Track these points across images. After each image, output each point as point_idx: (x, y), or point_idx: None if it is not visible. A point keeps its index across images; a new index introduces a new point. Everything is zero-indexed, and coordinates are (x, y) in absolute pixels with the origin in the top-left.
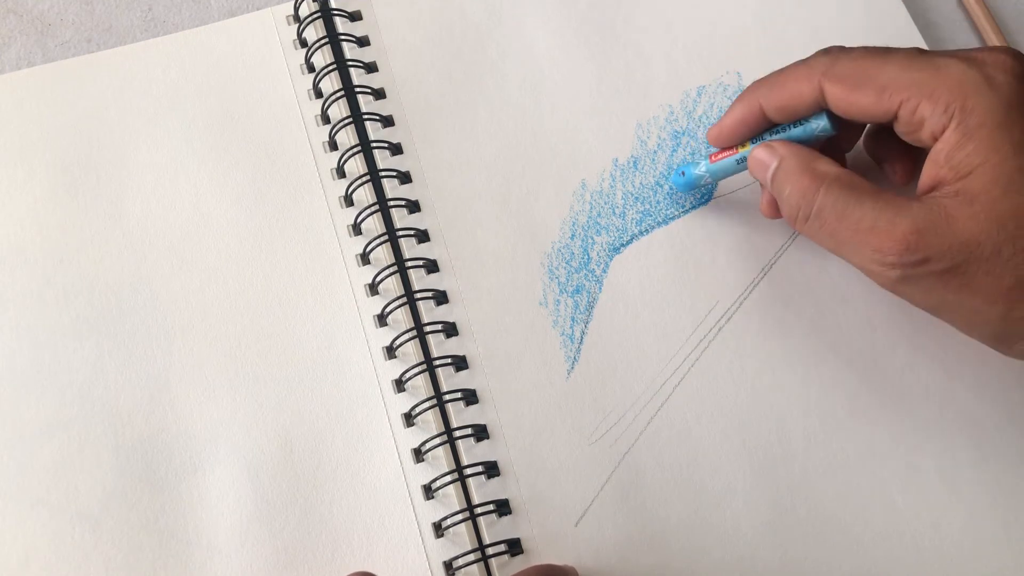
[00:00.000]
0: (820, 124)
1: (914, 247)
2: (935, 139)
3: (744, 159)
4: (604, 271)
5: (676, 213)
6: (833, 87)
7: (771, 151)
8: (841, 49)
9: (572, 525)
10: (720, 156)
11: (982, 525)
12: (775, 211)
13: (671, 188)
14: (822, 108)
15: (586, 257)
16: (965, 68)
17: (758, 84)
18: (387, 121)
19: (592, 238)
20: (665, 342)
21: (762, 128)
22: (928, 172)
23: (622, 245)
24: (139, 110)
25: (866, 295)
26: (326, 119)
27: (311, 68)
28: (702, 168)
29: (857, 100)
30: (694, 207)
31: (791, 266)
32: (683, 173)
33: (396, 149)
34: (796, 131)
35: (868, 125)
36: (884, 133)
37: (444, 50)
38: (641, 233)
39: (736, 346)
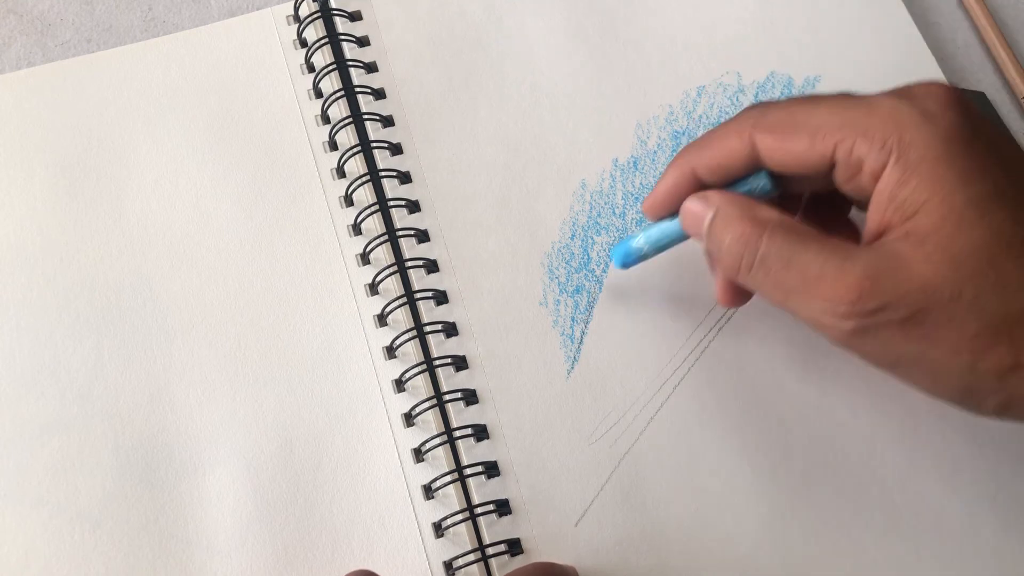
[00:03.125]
0: (760, 183)
1: (868, 294)
2: (876, 179)
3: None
4: (604, 271)
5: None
6: (765, 137)
7: (704, 201)
8: (769, 102)
9: (572, 525)
10: None
11: (982, 525)
12: (732, 297)
13: (612, 270)
14: (758, 166)
15: (586, 257)
16: (897, 103)
17: (688, 147)
18: (387, 121)
19: (592, 238)
20: (665, 342)
21: None
22: (873, 218)
23: None
24: (139, 110)
25: None
26: (326, 119)
27: (311, 68)
28: (640, 240)
29: (791, 147)
30: None
31: None
32: (622, 247)
33: (396, 149)
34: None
35: (804, 197)
36: (822, 203)
37: (444, 50)
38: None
39: (736, 346)
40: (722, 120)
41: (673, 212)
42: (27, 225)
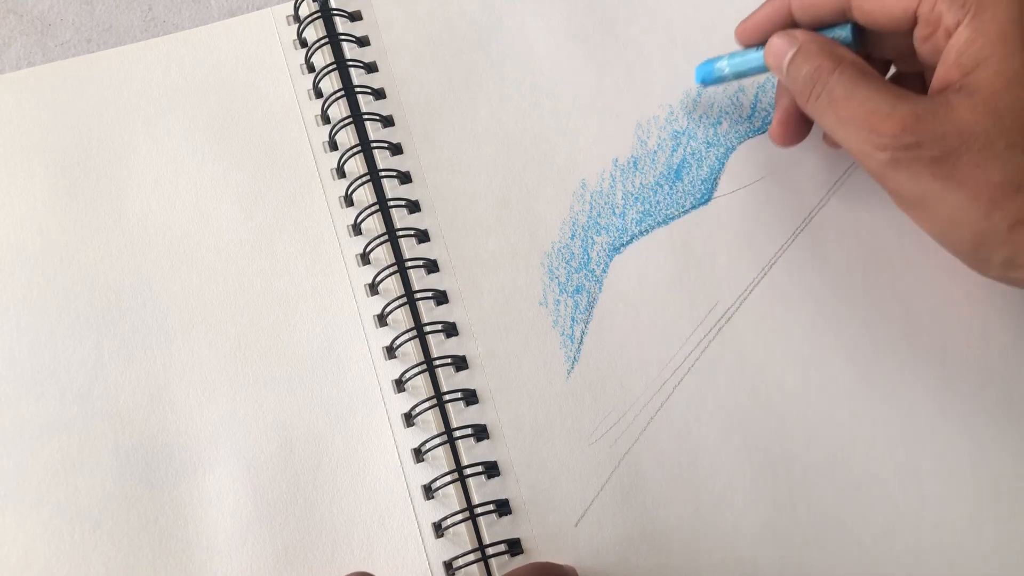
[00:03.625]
0: (843, 34)
1: (909, 130)
2: (948, 36)
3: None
4: (604, 271)
5: (676, 213)
6: None
7: (791, 38)
8: None
9: (572, 525)
10: None
11: (982, 525)
12: (785, 133)
13: (697, 86)
14: (846, 18)
15: (586, 257)
16: None
17: None
18: (387, 121)
19: (592, 238)
20: (665, 342)
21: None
22: (939, 74)
23: (622, 245)
24: (139, 110)
25: (866, 296)
26: (326, 119)
27: (311, 68)
28: (724, 62)
29: None
30: (694, 207)
31: (791, 266)
32: (706, 66)
33: (396, 149)
34: None
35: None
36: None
37: (444, 50)
38: (641, 233)
39: (736, 346)
40: (722, 121)
41: (758, 42)
42: (27, 225)
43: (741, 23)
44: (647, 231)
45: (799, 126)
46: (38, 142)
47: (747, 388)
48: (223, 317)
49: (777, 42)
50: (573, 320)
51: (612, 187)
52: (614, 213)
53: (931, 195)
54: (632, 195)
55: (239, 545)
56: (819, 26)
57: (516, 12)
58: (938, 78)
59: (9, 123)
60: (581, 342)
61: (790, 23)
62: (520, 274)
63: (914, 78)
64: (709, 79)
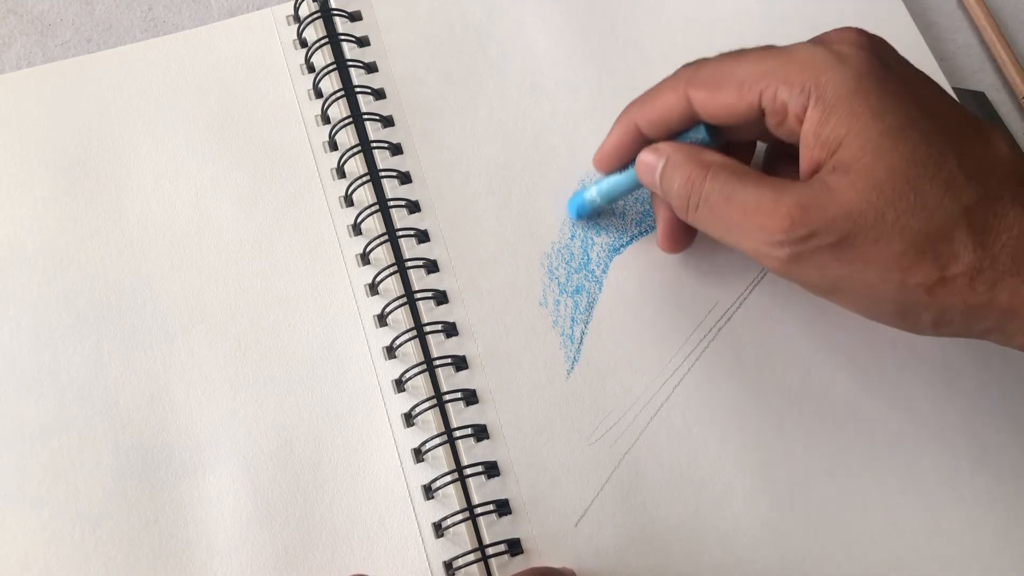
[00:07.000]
0: (699, 136)
1: (799, 222)
2: (801, 121)
3: (629, 168)
4: (604, 271)
5: None
6: (697, 92)
7: (656, 152)
8: (701, 59)
9: (572, 525)
10: None
11: (982, 525)
12: (672, 242)
13: (572, 221)
14: (695, 120)
15: (586, 257)
16: (813, 49)
17: (630, 105)
18: (387, 121)
19: (592, 238)
20: (665, 342)
21: (641, 148)
22: (804, 157)
23: (622, 245)
24: (139, 110)
25: None
26: (326, 119)
27: (311, 68)
28: (592, 192)
29: (721, 100)
30: None
31: None
32: (576, 199)
33: (396, 149)
34: None
35: (765, 149)
36: (774, 157)
37: (444, 50)
38: (641, 233)
39: (736, 346)
40: None
41: (620, 165)
42: (27, 225)
43: (596, 152)
44: (647, 231)
45: (685, 232)
46: (38, 142)
47: (747, 388)
48: (223, 317)
49: (645, 158)
50: (573, 320)
51: None
52: (614, 213)
53: (842, 280)
54: (632, 195)
55: (239, 545)
56: (671, 135)
57: (516, 12)
58: (806, 160)
59: (9, 123)
60: (581, 342)
61: (641, 141)
62: (520, 274)
63: (786, 147)
64: (584, 212)
